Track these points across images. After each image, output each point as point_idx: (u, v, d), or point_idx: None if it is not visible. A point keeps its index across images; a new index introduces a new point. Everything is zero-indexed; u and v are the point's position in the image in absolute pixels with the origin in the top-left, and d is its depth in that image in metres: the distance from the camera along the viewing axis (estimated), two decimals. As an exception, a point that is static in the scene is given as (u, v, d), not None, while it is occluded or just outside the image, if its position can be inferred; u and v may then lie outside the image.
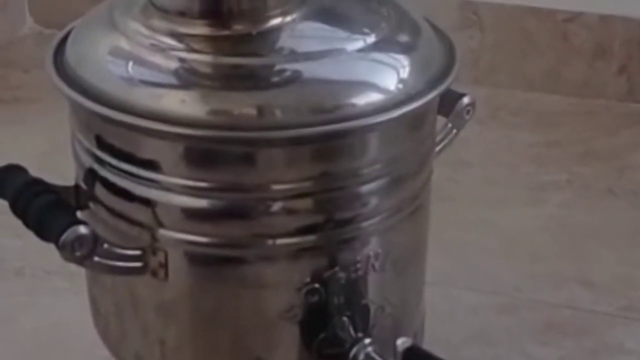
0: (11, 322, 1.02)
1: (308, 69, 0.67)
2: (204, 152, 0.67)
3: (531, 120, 1.43)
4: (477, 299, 1.06)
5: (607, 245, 1.15)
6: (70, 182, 0.75)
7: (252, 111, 0.65)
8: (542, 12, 1.47)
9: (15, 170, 0.71)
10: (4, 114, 1.46)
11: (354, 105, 0.66)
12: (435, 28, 0.76)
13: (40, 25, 1.71)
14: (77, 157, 0.74)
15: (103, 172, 0.70)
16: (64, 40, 0.74)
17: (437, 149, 0.79)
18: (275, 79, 0.67)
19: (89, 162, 0.71)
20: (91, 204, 0.73)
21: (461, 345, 0.99)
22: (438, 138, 0.79)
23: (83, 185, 0.73)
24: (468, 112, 0.79)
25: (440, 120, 0.78)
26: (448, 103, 0.78)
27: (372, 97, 0.67)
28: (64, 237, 0.65)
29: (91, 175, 0.72)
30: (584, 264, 1.12)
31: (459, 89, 0.77)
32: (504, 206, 1.23)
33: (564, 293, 1.07)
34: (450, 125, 0.79)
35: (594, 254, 1.14)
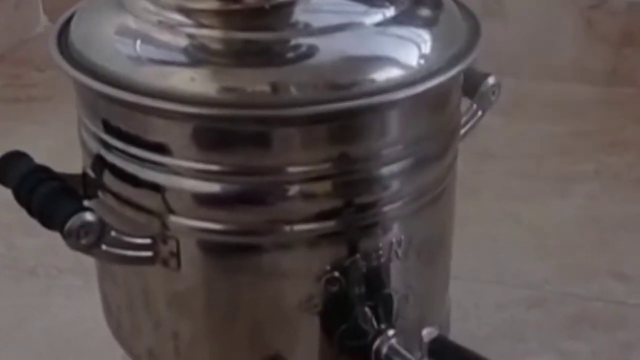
0: (25, 322, 1.02)
1: (324, 43, 0.65)
2: (215, 133, 0.64)
3: (557, 110, 1.41)
4: (504, 293, 1.04)
5: (638, 236, 1.13)
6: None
7: (266, 88, 0.63)
8: (567, -2, 1.45)
9: (18, 156, 0.69)
10: (18, 113, 1.45)
11: (373, 81, 0.64)
12: (457, 2, 0.73)
13: (55, 23, 1.70)
14: (84, 144, 0.72)
15: (111, 158, 0.69)
16: (68, 20, 0.72)
17: (463, 131, 0.77)
18: (290, 54, 0.65)
19: (96, 147, 0.70)
20: (99, 192, 0.71)
21: (489, 341, 0.97)
22: (463, 120, 0.77)
23: (91, 173, 0.72)
24: (494, 92, 0.78)
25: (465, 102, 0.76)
26: (473, 83, 0.76)
27: (392, 73, 0.65)
28: (69, 224, 0.63)
29: (99, 162, 0.70)
30: (615, 255, 1.10)
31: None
32: (531, 198, 1.21)
33: (594, 286, 1.06)
34: (475, 106, 0.78)
35: (624, 245, 1.12)
